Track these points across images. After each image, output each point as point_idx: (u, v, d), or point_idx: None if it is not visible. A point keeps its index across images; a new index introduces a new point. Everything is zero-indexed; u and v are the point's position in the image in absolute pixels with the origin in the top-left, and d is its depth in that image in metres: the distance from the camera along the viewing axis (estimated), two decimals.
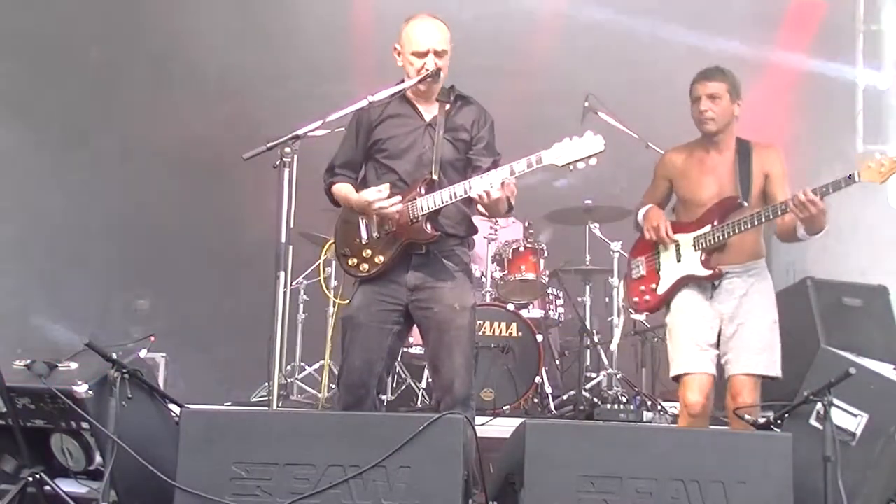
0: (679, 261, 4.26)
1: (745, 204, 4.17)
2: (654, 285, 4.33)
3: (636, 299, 4.41)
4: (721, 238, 4.15)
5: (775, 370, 4.16)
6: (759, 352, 4.14)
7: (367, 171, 4.16)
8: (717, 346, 4.20)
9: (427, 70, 3.94)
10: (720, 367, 4.22)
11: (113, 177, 7.73)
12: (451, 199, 3.89)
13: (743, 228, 4.10)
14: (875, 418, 3.42)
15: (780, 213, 4.03)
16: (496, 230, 6.74)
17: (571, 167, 3.77)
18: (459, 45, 4.06)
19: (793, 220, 4.06)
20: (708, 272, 4.18)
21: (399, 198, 3.90)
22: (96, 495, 3.35)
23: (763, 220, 4.07)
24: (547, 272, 6.74)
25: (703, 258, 4.20)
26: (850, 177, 3.89)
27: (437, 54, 3.96)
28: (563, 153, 3.76)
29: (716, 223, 4.18)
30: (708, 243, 4.19)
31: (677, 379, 4.20)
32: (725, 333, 4.19)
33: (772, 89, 7.68)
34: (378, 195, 3.91)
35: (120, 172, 7.77)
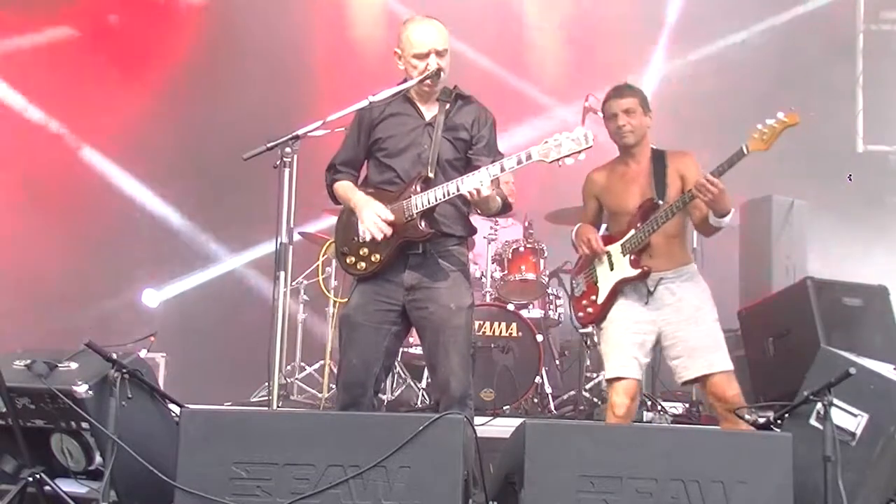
0: (612, 269, 4.39)
1: (661, 203, 4.29)
2: (594, 297, 4.45)
3: (580, 314, 4.54)
4: (643, 238, 4.28)
5: (730, 364, 4.27)
6: (718, 349, 4.25)
7: (368, 169, 4.17)
8: (654, 351, 4.37)
9: (429, 70, 3.95)
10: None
11: (112, 174, 7.73)
12: (444, 196, 3.89)
13: (660, 224, 4.23)
14: (875, 418, 3.41)
15: (687, 201, 4.14)
16: (496, 230, 6.74)
17: (560, 163, 3.78)
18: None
19: (704, 211, 4.19)
20: (636, 271, 4.31)
21: (389, 229, 3.89)
22: (96, 495, 3.35)
23: (674, 211, 4.19)
24: (547, 272, 6.74)
25: (631, 259, 4.33)
26: (740, 150, 4.03)
27: (438, 54, 3.97)
28: (552, 149, 3.78)
29: (638, 226, 4.32)
30: (633, 245, 4.32)
31: (609, 382, 4.34)
32: (669, 338, 4.29)
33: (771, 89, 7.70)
34: (378, 210, 3.92)
35: (120, 170, 7.77)
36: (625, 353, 4.28)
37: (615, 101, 4.37)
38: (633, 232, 4.32)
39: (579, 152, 3.77)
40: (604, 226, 4.58)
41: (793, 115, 4.04)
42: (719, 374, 4.19)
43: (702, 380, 4.24)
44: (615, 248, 4.38)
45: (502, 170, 3.81)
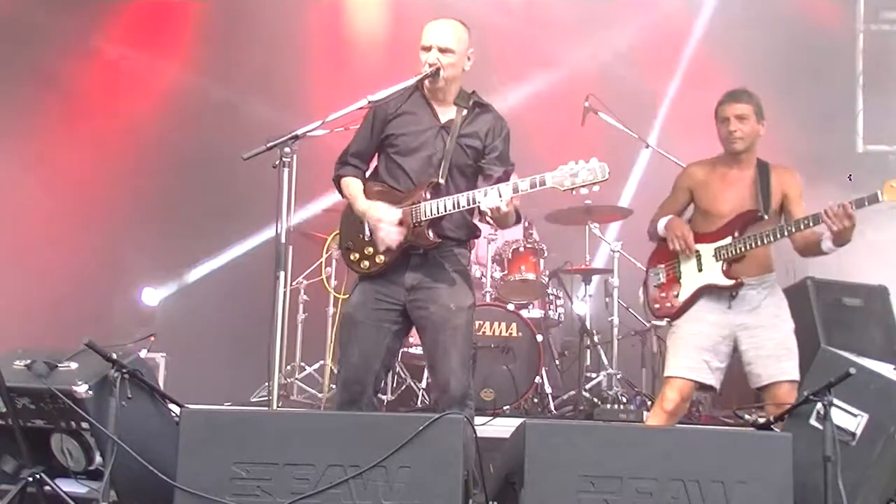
0: (700, 270, 4.38)
1: (766, 217, 4.31)
2: (675, 292, 4.44)
3: (657, 305, 4.53)
4: (743, 249, 4.28)
5: (798, 375, 4.27)
6: (791, 358, 4.27)
7: (378, 163, 4.17)
8: (731, 356, 4.35)
9: (428, 64, 3.96)
10: (742, 376, 4.35)
11: (113, 175, 7.73)
12: (454, 207, 3.90)
13: (766, 241, 4.24)
14: (875, 418, 3.41)
15: (811, 224, 4.15)
16: (496, 230, 6.74)
17: (574, 192, 3.80)
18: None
19: (815, 235, 4.22)
20: (730, 281, 4.31)
21: (402, 233, 3.91)
22: (96, 495, 3.34)
23: (790, 231, 4.22)
24: (547, 272, 6.74)
25: (724, 268, 4.32)
26: (873, 195, 4.07)
27: (441, 50, 3.97)
28: (567, 177, 3.78)
29: (736, 234, 4.31)
30: (729, 254, 4.31)
31: (667, 379, 4.36)
32: (746, 343, 4.31)
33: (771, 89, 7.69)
34: (389, 216, 3.93)
35: (119, 172, 7.77)
36: (695, 356, 4.30)
37: (729, 104, 4.36)
38: (729, 240, 4.32)
39: (594, 184, 3.78)
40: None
41: None
42: (787, 382, 4.21)
43: (770, 387, 4.25)
44: (706, 250, 4.37)
45: (515, 191, 3.81)
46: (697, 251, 4.38)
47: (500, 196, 3.80)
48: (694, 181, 4.48)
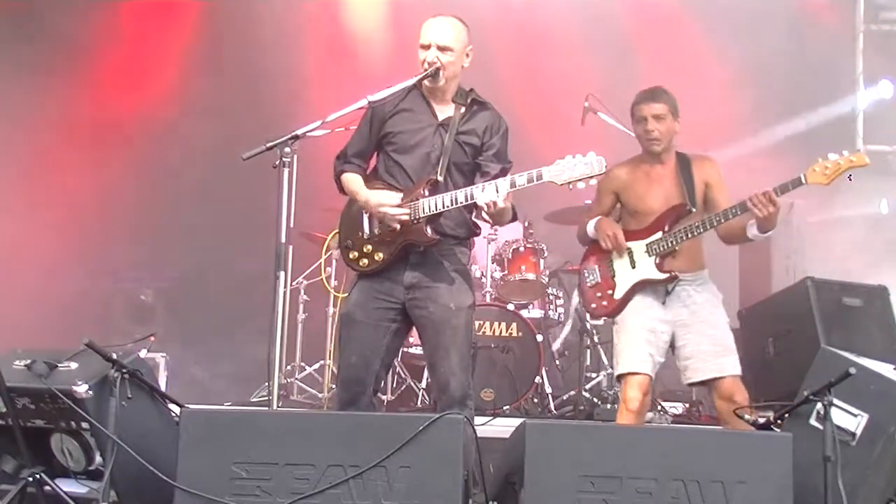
0: (633, 266, 4.42)
1: (694, 210, 4.35)
2: (610, 291, 4.47)
3: (594, 305, 4.56)
4: (674, 243, 4.33)
5: (739, 369, 4.32)
6: (729, 353, 4.30)
7: (377, 161, 4.17)
8: (669, 351, 4.39)
9: (427, 62, 3.96)
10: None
11: (113, 175, 7.73)
12: (452, 204, 3.90)
13: (697, 233, 4.29)
14: (875, 418, 3.41)
15: (738, 213, 4.17)
16: (496, 230, 6.74)
17: (571, 186, 3.79)
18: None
19: (739, 222, 4.24)
20: (664, 275, 4.35)
21: (406, 211, 3.92)
22: (96, 495, 3.35)
23: (719, 222, 4.24)
24: (547, 272, 6.74)
25: (657, 262, 4.36)
26: (797, 179, 4.09)
27: (440, 48, 3.97)
28: (563, 172, 3.78)
29: (666, 229, 4.36)
30: (661, 248, 4.36)
31: (621, 377, 4.38)
32: (683, 339, 4.34)
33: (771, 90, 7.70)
34: (389, 200, 3.94)
35: (120, 170, 7.77)
36: (640, 350, 4.31)
37: (646, 104, 4.39)
38: (660, 234, 4.36)
39: (591, 177, 3.79)
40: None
41: (861, 155, 4.12)
42: (729, 377, 4.24)
43: (710, 383, 4.29)
44: (638, 247, 4.41)
45: (513, 186, 3.82)
46: (629, 248, 4.41)
47: (497, 191, 3.80)
48: (618, 183, 4.49)
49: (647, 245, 4.39)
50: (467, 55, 4.06)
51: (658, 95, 4.41)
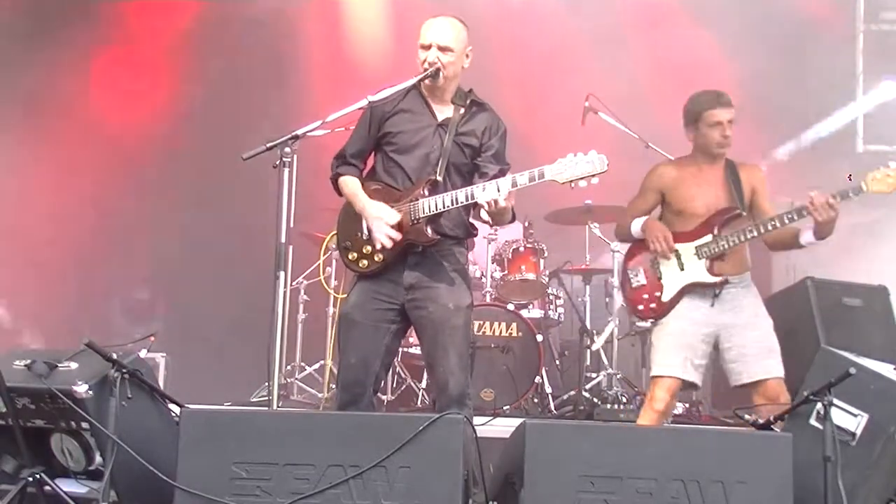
0: (682, 269, 4.38)
1: (744, 214, 4.34)
2: (658, 293, 4.43)
3: (641, 307, 4.51)
4: (726, 246, 4.30)
5: (783, 371, 4.34)
6: (773, 355, 4.31)
7: (375, 161, 4.17)
8: (713, 354, 4.38)
9: (427, 63, 3.96)
10: (722, 374, 4.43)
11: (112, 175, 7.73)
12: (452, 204, 3.90)
13: (749, 236, 4.27)
14: (875, 418, 3.41)
15: (796, 218, 4.17)
16: (496, 230, 6.74)
17: (573, 185, 3.79)
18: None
19: (791, 229, 4.25)
20: (716, 279, 4.32)
21: (397, 235, 3.91)
22: (96, 495, 3.34)
23: (776, 226, 4.22)
24: (547, 272, 6.74)
25: (708, 266, 4.33)
26: (857, 187, 4.06)
27: (441, 49, 3.96)
28: (565, 170, 3.78)
29: (716, 232, 4.33)
30: (711, 251, 4.33)
31: (657, 376, 4.38)
32: (729, 342, 4.33)
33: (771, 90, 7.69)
34: (387, 218, 3.92)
35: (119, 170, 7.77)
36: (677, 354, 4.32)
37: (722, 109, 4.38)
38: (710, 237, 4.33)
39: (593, 175, 3.78)
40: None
41: None
42: (774, 379, 4.25)
43: (755, 385, 4.28)
44: (686, 249, 4.38)
45: (514, 185, 3.82)
46: (676, 250, 4.39)
47: (499, 190, 3.80)
48: (665, 182, 4.48)
49: (696, 247, 4.36)
50: (467, 56, 4.06)
51: (728, 99, 4.39)
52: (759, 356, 4.27)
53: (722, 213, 4.35)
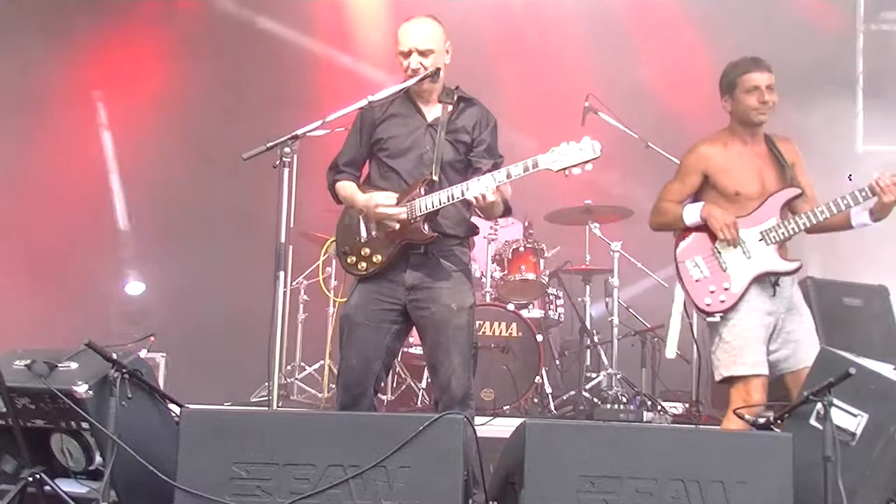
0: (749, 257, 4.10)
1: (804, 193, 4.14)
2: (726, 284, 4.10)
3: (708, 301, 4.13)
4: (795, 230, 4.07)
5: None
6: (816, 342, 4.15)
7: (370, 169, 4.17)
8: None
9: (411, 69, 3.95)
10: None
11: (111, 175, 7.73)
12: (448, 200, 3.90)
13: (822, 217, 4.02)
14: (875, 418, 3.41)
15: (869, 196, 3.97)
16: (496, 230, 6.75)
17: (567, 173, 3.78)
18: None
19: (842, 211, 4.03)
20: (792, 265, 4.09)
21: (404, 209, 3.91)
22: (96, 495, 3.34)
23: (850, 205, 4.01)
24: (547, 272, 6.74)
25: (779, 252, 4.10)
26: None
27: (421, 53, 3.96)
28: (559, 158, 3.78)
29: (780, 215, 4.11)
30: (780, 236, 4.09)
31: (732, 378, 4.08)
32: (784, 329, 4.14)
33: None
34: (386, 200, 3.94)
35: (118, 171, 7.77)
36: (760, 350, 4.07)
37: (758, 73, 4.11)
38: (774, 221, 4.08)
39: (586, 162, 3.77)
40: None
41: None
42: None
43: (795, 375, 4.07)
44: (749, 234, 4.09)
45: (508, 177, 3.82)
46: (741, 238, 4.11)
47: (494, 180, 3.80)
48: (710, 163, 4.16)
49: (761, 233, 4.08)
50: (447, 52, 4.06)
51: (767, 64, 4.12)
52: (805, 343, 4.09)
53: (782, 194, 4.11)
